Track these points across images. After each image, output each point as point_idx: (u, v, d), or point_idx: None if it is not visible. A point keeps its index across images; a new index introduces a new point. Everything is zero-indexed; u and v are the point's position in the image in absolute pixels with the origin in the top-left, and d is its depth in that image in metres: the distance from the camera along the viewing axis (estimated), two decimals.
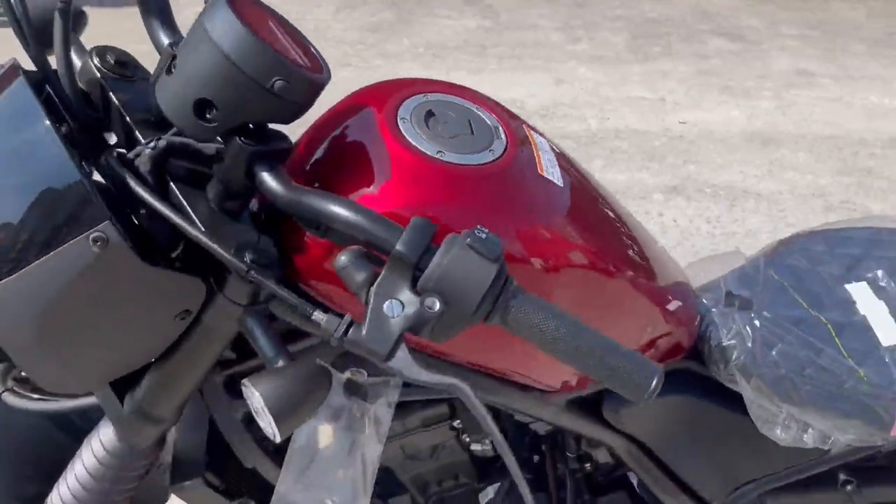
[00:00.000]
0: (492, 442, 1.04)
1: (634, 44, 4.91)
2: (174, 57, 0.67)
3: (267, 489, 0.95)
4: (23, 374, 0.90)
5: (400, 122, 0.75)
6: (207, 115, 0.66)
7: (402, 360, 0.62)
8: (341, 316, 0.61)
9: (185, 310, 0.70)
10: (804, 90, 4.36)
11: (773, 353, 1.03)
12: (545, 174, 0.79)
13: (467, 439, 1.06)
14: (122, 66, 0.78)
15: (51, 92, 0.74)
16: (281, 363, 0.69)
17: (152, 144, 0.69)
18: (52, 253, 0.64)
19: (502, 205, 0.75)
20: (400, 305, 0.60)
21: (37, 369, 0.73)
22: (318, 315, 0.62)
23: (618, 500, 1.17)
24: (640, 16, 5.45)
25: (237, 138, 0.67)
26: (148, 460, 0.87)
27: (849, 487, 1.17)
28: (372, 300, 0.60)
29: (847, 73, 4.74)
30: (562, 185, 0.80)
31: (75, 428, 1.00)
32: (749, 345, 1.04)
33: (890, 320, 1.08)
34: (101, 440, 0.86)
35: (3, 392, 0.88)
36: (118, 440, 0.83)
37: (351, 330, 0.61)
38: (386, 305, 0.60)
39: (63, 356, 0.70)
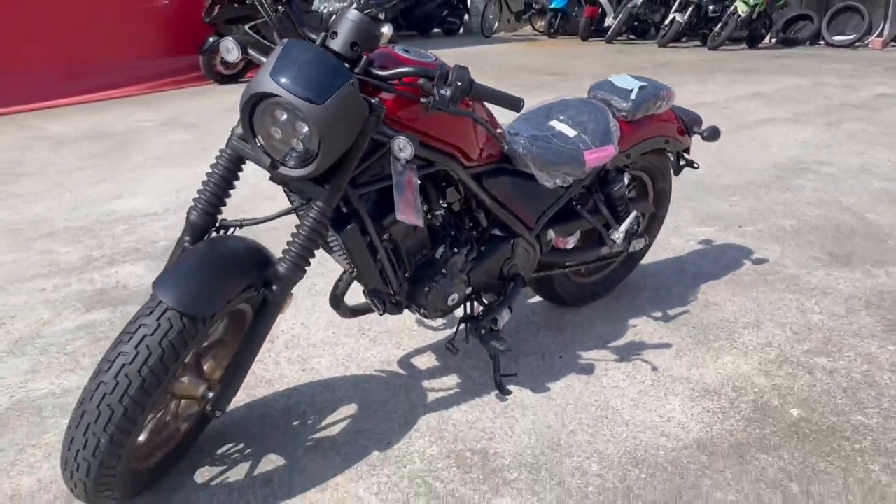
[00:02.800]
0: (439, 214, 2.24)
1: None
2: (330, 32, 1.82)
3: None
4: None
5: (400, 51, 1.97)
6: (354, 48, 1.82)
7: (452, 108, 1.82)
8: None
9: (362, 122, 1.82)
10: None
11: (534, 148, 2.40)
12: None
13: (429, 216, 2.23)
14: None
15: None
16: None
17: None
18: (342, 87, 1.72)
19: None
20: (446, 89, 1.81)
21: (328, 154, 1.75)
22: (423, 100, 1.82)
23: (495, 244, 2.43)
24: None
25: (365, 56, 1.83)
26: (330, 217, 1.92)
27: (577, 207, 2.60)
28: (436, 90, 1.81)
29: None
30: None
31: (264, 254, 1.96)
32: (524, 148, 2.39)
33: (569, 129, 2.53)
34: (312, 216, 1.87)
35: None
36: (328, 206, 1.87)
37: (432, 102, 1.81)
38: (441, 90, 1.81)
39: (334, 144, 1.77)
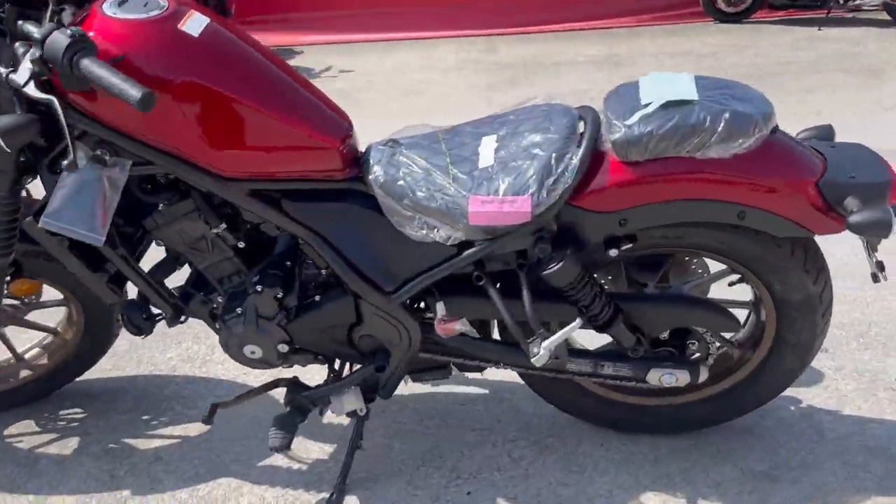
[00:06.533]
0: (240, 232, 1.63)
1: None
2: None
3: None
4: None
5: (105, 8, 1.41)
6: None
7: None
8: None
9: None
10: None
11: (400, 173, 1.52)
12: (183, 28, 1.41)
13: (229, 237, 1.62)
14: None
15: None
16: None
17: None
18: None
19: (144, 38, 1.39)
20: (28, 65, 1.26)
21: None
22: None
23: (330, 299, 1.67)
24: None
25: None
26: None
27: (481, 282, 1.58)
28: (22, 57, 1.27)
29: None
30: (196, 37, 1.42)
31: None
32: (385, 169, 1.53)
33: (491, 154, 1.51)
34: None
35: None
36: None
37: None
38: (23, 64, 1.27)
39: None
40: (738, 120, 1.39)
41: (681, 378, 1.63)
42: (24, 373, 2.09)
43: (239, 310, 1.66)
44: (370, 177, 1.53)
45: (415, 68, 6.37)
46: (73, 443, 2.00)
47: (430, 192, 1.49)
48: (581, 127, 1.49)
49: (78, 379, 2.15)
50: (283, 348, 1.71)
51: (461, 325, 1.59)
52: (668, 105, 1.41)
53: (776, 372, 1.74)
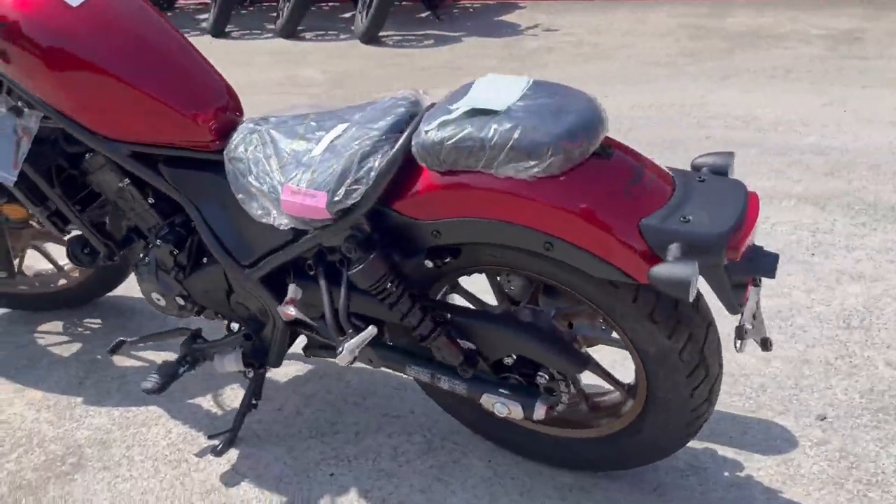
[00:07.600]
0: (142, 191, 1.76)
1: None
2: None
3: None
4: None
5: None
6: None
7: None
8: None
9: None
10: None
11: (248, 151, 1.53)
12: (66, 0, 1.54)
13: (135, 191, 1.77)
14: None
15: None
16: None
17: None
18: None
19: (27, 8, 1.54)
20: None
21: None
22: None
23: (210, 263, 1.74)
24: None
25: None
26: None
27: (312, 272, 1.55)
28: None
29: None
30: (74, 7, 1.53)
31: None
32: (237, 145, 1.55)
33: (327, 143, 1.46)
34: None
35: None
36: None
37: None
38: None
39: None
40: (527, 140, 1.20)
41: (513, 410, 1.47)
42: (62, 281, 2.46)
43: (147, 259, 1.81)
44: (225, 151, 1.57)
45: (620, 31, 6.02)
46: (74, 348, 2.33)
47: (260, 174, 1.49)
48: (401, 126, 1.38)
49: (116, 293, 2.50)
50: (181, 301, 1.82)
51: (294, 311, 1.58)
52: (473, 113, 1.26)
53: (654, 429, 1.49)
